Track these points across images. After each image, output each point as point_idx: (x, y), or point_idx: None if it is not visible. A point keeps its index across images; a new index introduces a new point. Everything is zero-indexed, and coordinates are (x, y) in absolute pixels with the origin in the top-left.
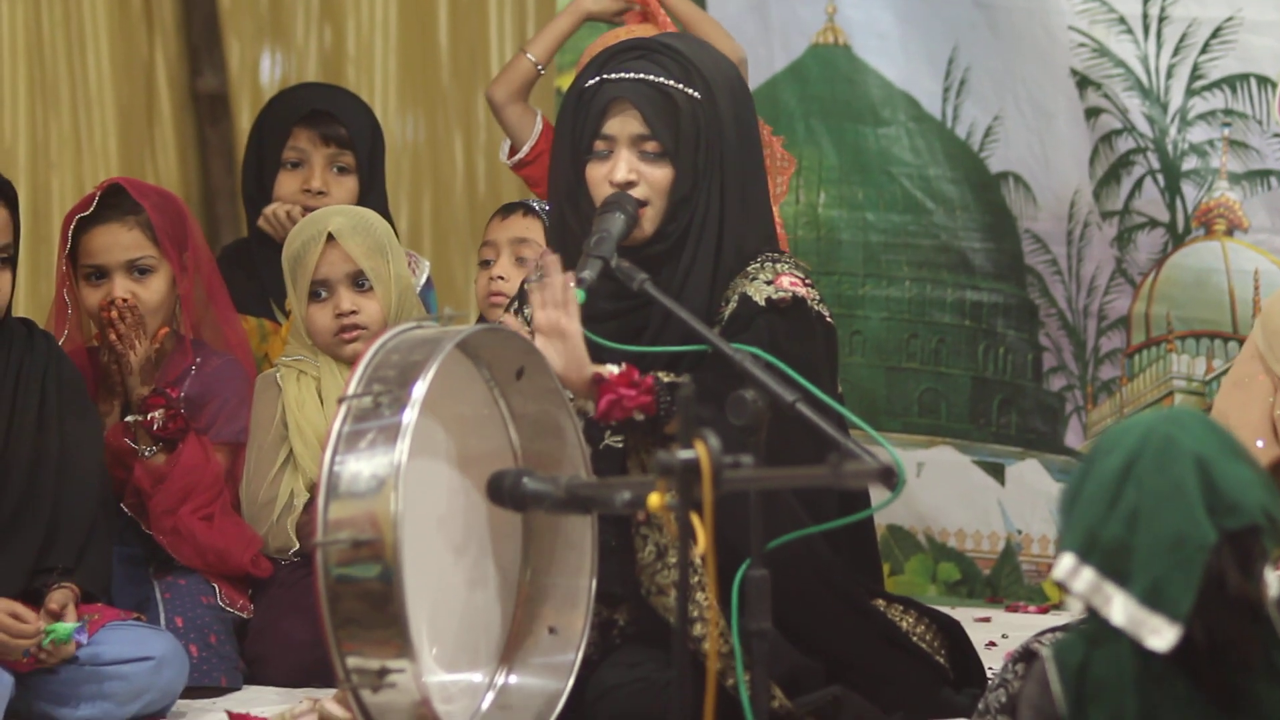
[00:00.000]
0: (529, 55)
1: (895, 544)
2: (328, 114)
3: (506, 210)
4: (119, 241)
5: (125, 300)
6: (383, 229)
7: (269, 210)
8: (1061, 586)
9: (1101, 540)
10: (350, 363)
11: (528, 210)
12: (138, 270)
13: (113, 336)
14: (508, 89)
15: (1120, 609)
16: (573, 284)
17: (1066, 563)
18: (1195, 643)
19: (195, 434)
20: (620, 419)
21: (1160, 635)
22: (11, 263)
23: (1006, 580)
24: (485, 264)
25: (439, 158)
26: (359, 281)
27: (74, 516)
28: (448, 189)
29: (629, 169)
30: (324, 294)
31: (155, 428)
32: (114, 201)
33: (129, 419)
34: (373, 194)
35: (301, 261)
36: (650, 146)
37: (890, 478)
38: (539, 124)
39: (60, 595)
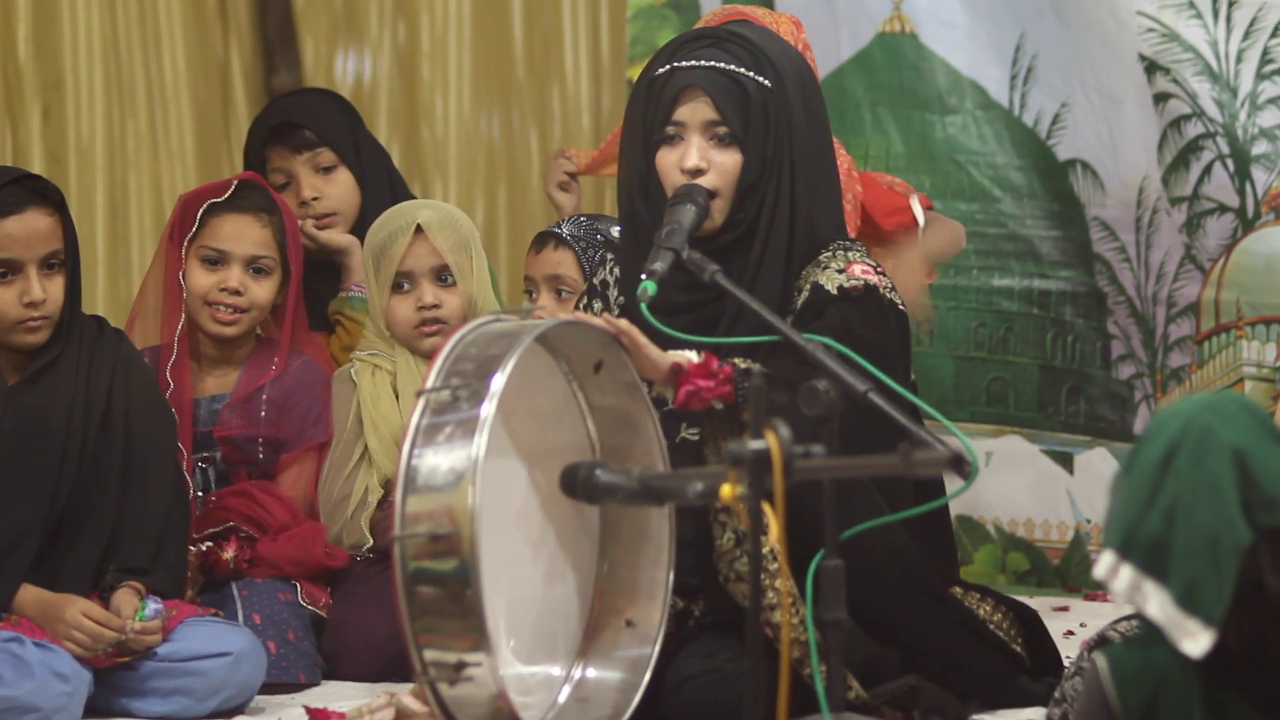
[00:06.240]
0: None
1: (964, 534)
2: (288, 124)
3: (539, 243)
4: (250, 234)
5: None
6: (468, 226)
7: None
8: (1102, 585)
9: (1140, 536)
10: (428, 356)
11: (559, 242)
12: (255, 269)
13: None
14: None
15: (1158, 608)
16: (643, 276)
17: (1107, 560)
18: (1228, 647)
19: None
20: (699, 409)
21: (1194, 640)
22: (65, 267)
23: (1076, 570)
24: (529, 293)
25: (514, 152)
26: (442, 276)
27: (144, 515)
28: (523, 183)
29: (700, 156)
30: (407, 285)
31: (232, 567)
32: (249, 195)
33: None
34: (372, 172)
35: (387, 252)
36: (720, 131)
37: (962, 465)
38: None
39: (123, 596)
